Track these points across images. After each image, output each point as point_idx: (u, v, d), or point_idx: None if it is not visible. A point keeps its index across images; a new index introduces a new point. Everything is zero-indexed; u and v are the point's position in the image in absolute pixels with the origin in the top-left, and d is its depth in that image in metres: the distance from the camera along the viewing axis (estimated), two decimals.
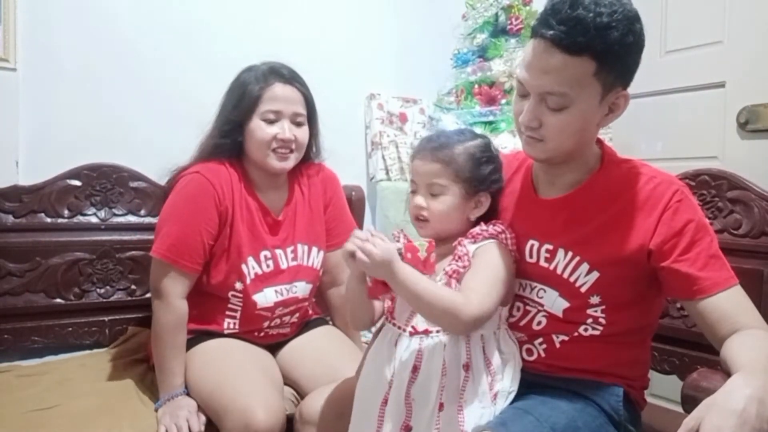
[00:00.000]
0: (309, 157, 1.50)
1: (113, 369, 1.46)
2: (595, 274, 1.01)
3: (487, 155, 1.08)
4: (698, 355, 1.31)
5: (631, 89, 1.01)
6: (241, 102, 1.35)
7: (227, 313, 1.39)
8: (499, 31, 2.08)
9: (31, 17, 1.63)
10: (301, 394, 1.36)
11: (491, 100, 2.03)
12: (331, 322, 1.61)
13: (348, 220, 1.58)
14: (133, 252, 1.61)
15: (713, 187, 1.34)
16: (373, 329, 1.16)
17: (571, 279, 1.03)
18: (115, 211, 1.64)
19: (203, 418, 1.23)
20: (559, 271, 1.04)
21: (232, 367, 1.27)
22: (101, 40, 1.74)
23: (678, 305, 1.34)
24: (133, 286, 1.63)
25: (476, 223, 1.08)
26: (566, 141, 0.99)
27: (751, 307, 0.96)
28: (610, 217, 1.02)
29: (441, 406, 0.96)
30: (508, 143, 1.85)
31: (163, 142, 1.70)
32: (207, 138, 1.40)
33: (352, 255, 0.93)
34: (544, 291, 1.06)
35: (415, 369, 0.98)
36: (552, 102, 0.95)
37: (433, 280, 0.98)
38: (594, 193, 1.04)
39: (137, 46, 1.79)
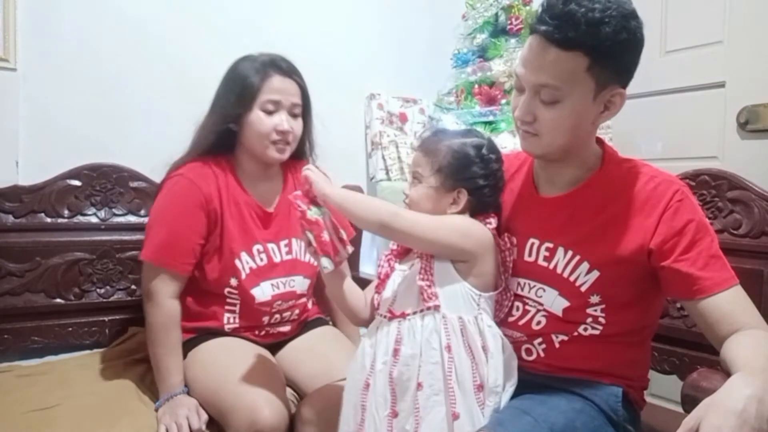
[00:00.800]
0: (303, 153, 1.49)
1: (113, 369, 1.46)
2: (595, 274, 1.01)
3: (478, 154, 1.06)
4: (698, 355, 1.31)
5: (631, 89, 1.01)
6: (241, 93, 1.34)
7: (226, 308, 1.39)
8: (499, 31, 2.08)
9: (31, 17, 1.63)
10: (300, 394, 1.35)
11: (491, 100, 2.03)
12: (331, 323, 1.61)
13: (343, 217, 1.57)
14: (133, 252, 1.61)
15: (713, 187, 1.34)
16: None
17: (571, 278, 1.03)
18: (115, 211, 1.64)
19: (204, 416, 1.23)
20: (559, 270, 1.04)
21: (235, 365, 1.26)
22: (101, 40, 1.74)
23: (678, 305, 1.34)
24: (133, 286, 1.63)
25: None
26: (560, 136, 0.99)
27: (751, 307, 0.96)
28: (611, 217, 1.02)
29: (419, 385, 0.96)
30: (508, 143, 1.86)
31: (163, 142, 1.69)
32: (201, 128, 1.39)
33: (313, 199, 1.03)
34: (544, 290, 1.06)
35: (396, 353, 0.99)
36: (545, 95, 0.96)
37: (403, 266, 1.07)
38: (594, 191, 1.04)
39: (137, 46, 1.79)
